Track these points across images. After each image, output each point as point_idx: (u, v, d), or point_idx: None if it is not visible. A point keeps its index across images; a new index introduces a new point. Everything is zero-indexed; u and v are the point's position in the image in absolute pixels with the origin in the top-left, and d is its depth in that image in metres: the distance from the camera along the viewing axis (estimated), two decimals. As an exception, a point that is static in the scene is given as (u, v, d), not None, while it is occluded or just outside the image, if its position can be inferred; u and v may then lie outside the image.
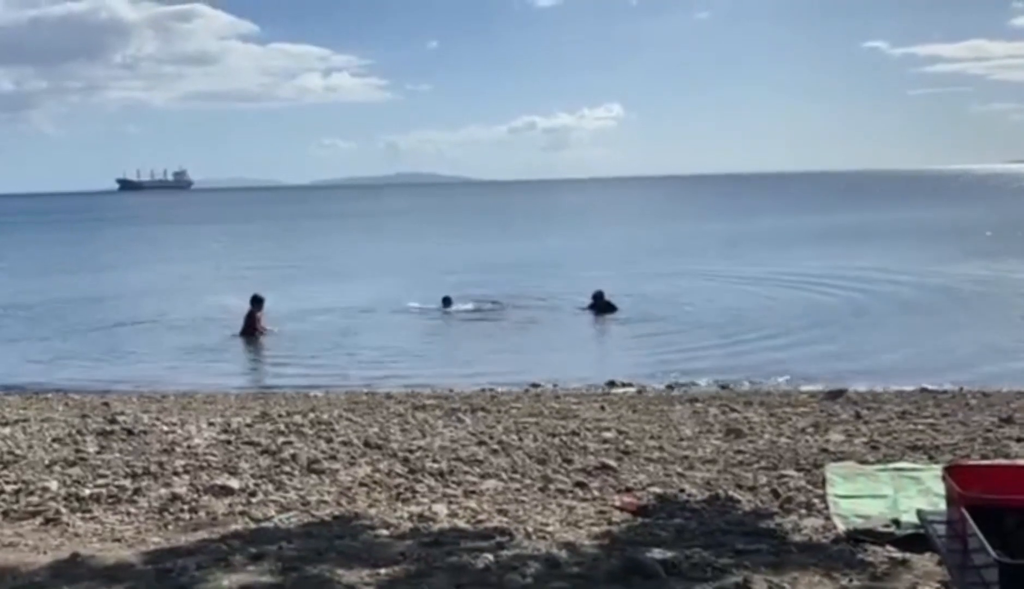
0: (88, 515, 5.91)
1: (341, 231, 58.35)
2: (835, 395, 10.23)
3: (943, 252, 29.32)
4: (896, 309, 18.92)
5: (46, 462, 7.25)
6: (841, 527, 5.24)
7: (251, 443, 7.79)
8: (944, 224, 43.78)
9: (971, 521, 3.30)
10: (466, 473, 6.77)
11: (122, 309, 22.01)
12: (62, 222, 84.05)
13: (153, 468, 6.93)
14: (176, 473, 6.81)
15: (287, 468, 6.91)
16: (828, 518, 5.45)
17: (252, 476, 6.70)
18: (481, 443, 7.76)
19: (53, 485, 6.50)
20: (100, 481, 6.64)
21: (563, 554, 4.86)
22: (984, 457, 7.00)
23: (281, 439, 7.92)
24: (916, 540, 4.73)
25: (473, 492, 6.31)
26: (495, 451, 7.46)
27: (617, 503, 5.97)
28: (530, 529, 5.39)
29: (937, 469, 5.09)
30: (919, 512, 4.20)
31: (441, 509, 5.84)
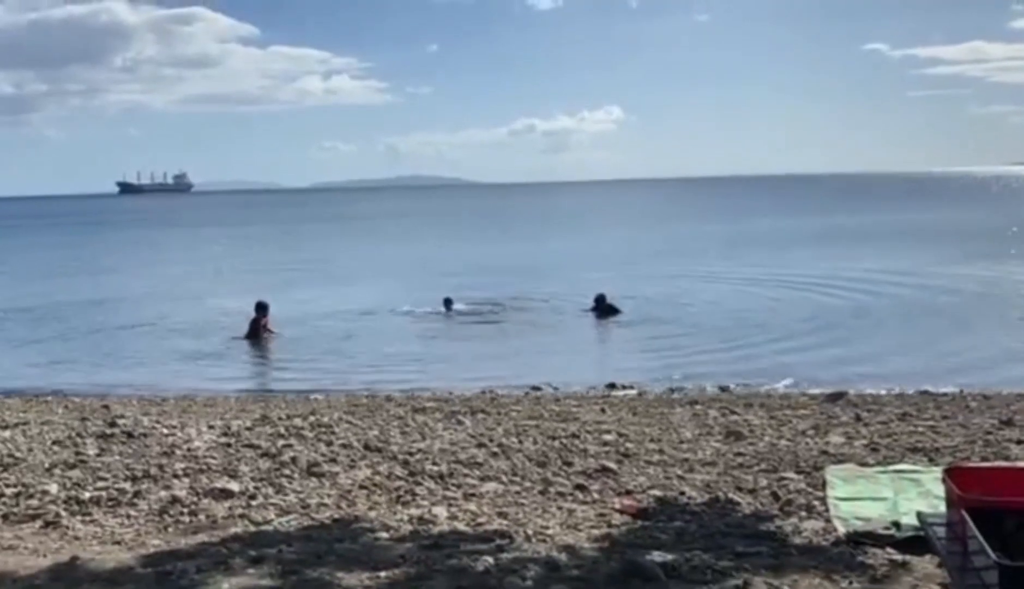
0: (88, 518, 5.92)
1: (341, 234, 58.33)
2: (835, 397, 10.22)
3: (943, 253, 29.34)
4: (897, 311, 18.89)
5: (46, 465, 7.25)
6: (841, 529, 5.24)
7: (251, 446, 7.79)
8: (946, 226, 43.81)
9: (971, 523, 3.30)
10: (466, 476, 6.77)
11: (122, 312, 22.02)
12: (62, 225, 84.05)
13: (153, 471, 6.93)
14: (176, 476, 6.81)
15: (287, 471, 6.91)
16: (828, 520, 5.45)
17: (252, 479, 6.70)
18: (481, 446, 7.75)
19: (53, 488, 6.50)
20: (100, 484, 6.64)
21: (563, 557, 4.86)
22: (984, 459, 6.99)
23: (281, 442, 7.93)
24: (916, 542, 4.73)
25: (473, 495, 6.30)
26: (495, 454, 7.45)
27: (617, 506, 5.96)
28: (530, 532, 5.39)
29: (937, 471, 5.09)
30: (919, 514, 4.20)
31: (441, 512, 5.84)
